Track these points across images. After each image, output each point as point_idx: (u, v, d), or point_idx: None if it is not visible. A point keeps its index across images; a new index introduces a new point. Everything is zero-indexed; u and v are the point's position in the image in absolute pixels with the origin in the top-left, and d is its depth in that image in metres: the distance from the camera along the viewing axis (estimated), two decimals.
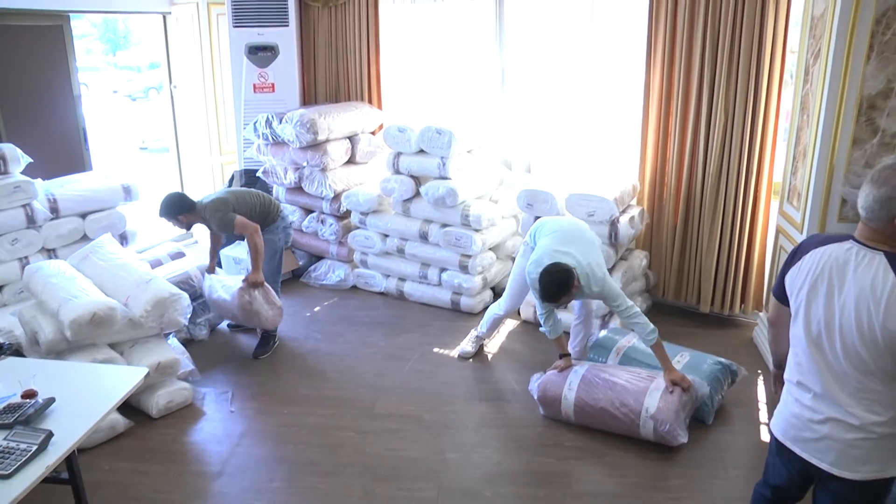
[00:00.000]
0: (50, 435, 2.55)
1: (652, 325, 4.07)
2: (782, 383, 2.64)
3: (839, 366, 2.26)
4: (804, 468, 2.43)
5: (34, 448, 2.47)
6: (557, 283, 3.92)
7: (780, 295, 2.51)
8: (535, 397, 4.30)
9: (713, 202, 5.21)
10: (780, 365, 2.69)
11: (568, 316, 4.93)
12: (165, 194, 4.82)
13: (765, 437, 4.13)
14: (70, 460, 2.97)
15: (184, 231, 5.12)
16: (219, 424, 4.29)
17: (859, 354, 2.20)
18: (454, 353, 5.10)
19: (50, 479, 2.74)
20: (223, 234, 5.32)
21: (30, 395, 2.82)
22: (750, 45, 4.82)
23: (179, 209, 4.75)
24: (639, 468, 3.84)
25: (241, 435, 4.16)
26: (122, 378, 3.10)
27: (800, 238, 4.52)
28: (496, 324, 5.05)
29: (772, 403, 4.41)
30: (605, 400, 4.03)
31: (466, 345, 5.11)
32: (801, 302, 2.35)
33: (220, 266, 6.48)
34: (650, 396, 3.95)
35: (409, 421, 4.28)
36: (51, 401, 2.79)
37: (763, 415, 4.36)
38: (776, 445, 2.55)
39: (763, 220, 5.23)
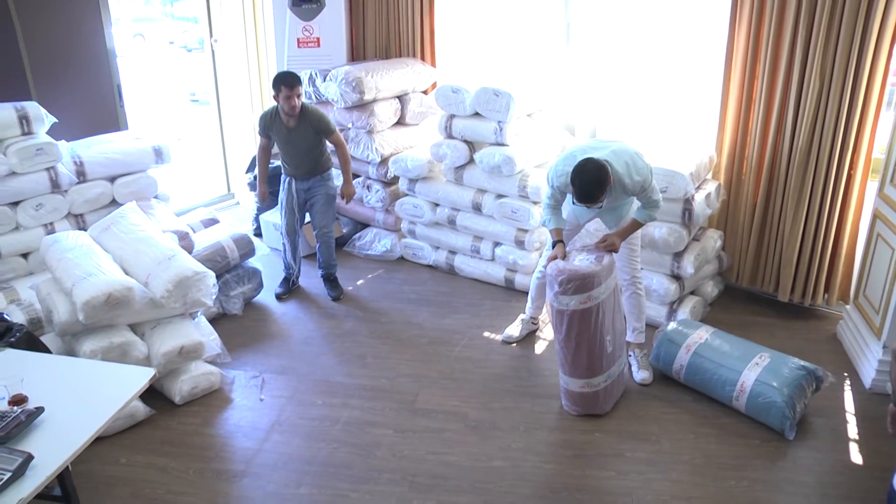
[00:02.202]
0: (29, 458, 2.20)
1: (655, 215, 3.95)
2: None
3: None
4: None
5: (7, 475, 2.12)
6: (594, 181, 3.59)
7: None
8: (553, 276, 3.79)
9: (800, 179, 4.67)
10: None
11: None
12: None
13: (855, 457, 3.68)
14: (63, 477, 2.65)
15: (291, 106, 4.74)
16: (246, 414, 3.96)
17: None
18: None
19: (41, 496, 2.42)
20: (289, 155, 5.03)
21: (18, 400, 2.50)
22: None
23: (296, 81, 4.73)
24: (708, 491, 3.41)
25: (269, 429, 3.82)
26: (126, 380, 2.76)
27: None
28: (542, 291, 4.50)
29: (862, 418, 3.95)
30: (600, 337, 3.83)
31: (513, 328, 4.72)
32: None
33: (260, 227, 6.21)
34: (616, 367, 3.97)
35: (454, 419, 3.89)
36: (38, 412, 2.45)
37: (852, 429, 3.88)
38: None
39: (857, 201, 4.68)
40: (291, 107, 4.71)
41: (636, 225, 4.00)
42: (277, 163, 5.37)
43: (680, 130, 5.42)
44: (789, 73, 4.56)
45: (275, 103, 4.82)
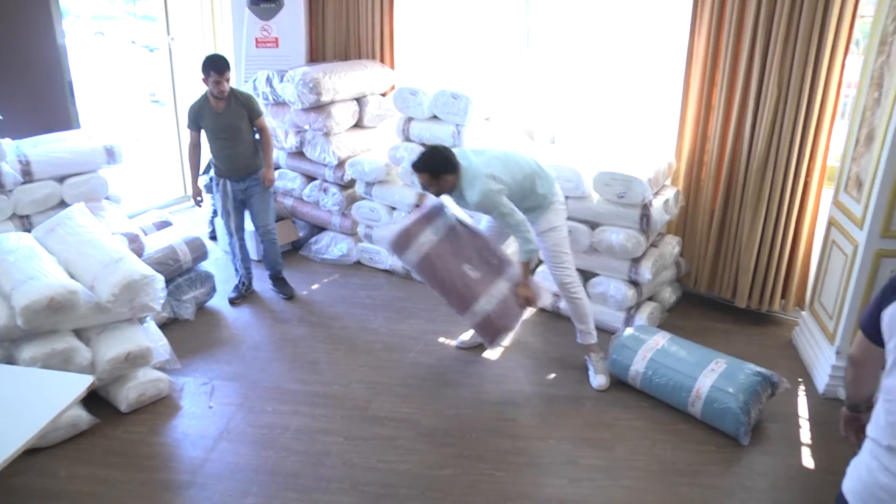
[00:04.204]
0: None
1: (532, 246, 3.94)
2: (855, 429, 2.26)
3: None
4: None
5: None
6: (430, 155, 3.83)
7: (873, 332, 2.00)
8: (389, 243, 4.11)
9: (758, 186, 4.68)
10: (855, 408, 2.27)
11: None
12: None
13: (807, 462, 3.70)
14: None
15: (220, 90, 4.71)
16: (195, 422, 3.85)
17: None
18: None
19: None
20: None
21: None
22: (814, 5, 4.23)
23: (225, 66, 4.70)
24: (661, 498, 3.38)
25: (217, 437, 3.72)
26: (63, 388, 2.66)
27: (858, 234, 4.01)
28: None
29: (815, 423, 3.96)
30: (455, 271, 4.00)
31: (467, 333, 4.68)
32: None
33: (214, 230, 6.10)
34: (503, 282, 4.03)
35: (406, 426, 3.82)
36: None
37: (805, 434, 3.89)
38: None
39: (813, 209, 4.71)
40: (220, 91, 4.67)
41: (525, 266, 4.02)
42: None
43: (639, 136, 5.40)
44: (748, 81, 4.57)
45: (204, 92, 4.79)
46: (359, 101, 5.92)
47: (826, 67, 4.31)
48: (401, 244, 4.04)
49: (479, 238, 4.14)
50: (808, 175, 4.60)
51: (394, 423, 3.85)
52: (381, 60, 6.12)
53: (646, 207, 4.53)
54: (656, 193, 4.73)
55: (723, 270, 5.07)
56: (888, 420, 1.92)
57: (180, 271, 4.87)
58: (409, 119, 5.31)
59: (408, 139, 5.32)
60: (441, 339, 4.72)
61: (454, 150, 3.92)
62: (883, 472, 1.92)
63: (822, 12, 4.23)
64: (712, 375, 3.84)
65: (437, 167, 3.81)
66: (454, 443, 3.70)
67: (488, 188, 3.81)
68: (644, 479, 3.49)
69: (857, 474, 2.04)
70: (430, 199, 4.20)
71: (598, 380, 4.28)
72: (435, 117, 5.17)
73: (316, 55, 6.40)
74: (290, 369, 4.35)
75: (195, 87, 6.74)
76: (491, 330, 4.00)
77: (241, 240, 5.15)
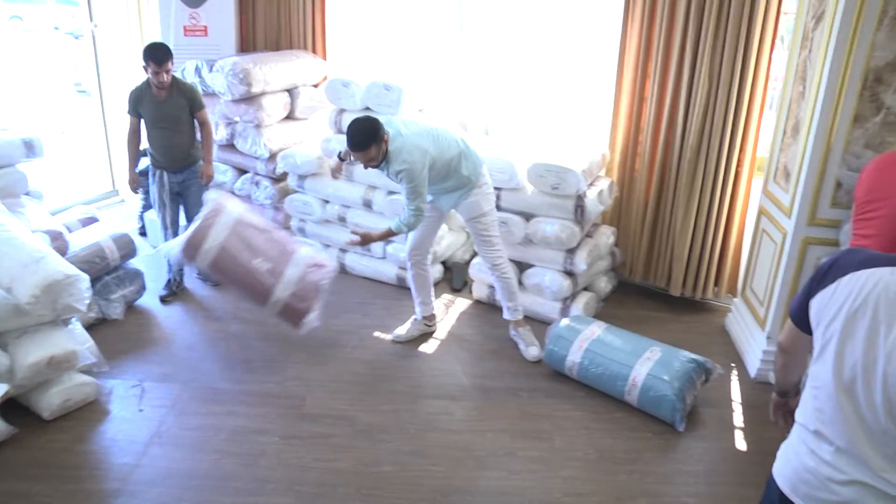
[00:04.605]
0: None
1: (408, 230, 4.09)
2: (783, 414, 2.30)
3: (876, 422, 1.78)
4: None
5: None
6: (357, 128, 3.78)
7: (801, 320, 2.01)
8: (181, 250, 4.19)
9: (691, 176, 4.75)
10: (784, 393, 2.30)
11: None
12: None
13: (740, 445, 3.77)
14: None
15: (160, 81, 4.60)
16: (124, 427, 3.71)
17: None
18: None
19: None
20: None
21: None
22: (741, 1, 4.31)
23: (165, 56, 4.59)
24: (600, 486, 3.41)
25: (148, 442, 3.59)
26: None
27: (786, 222, 4.09)
28: (419, 284, 4.54)
29: (748, 406, 4.04)
30: (247, 267, 4.15)
31: (403, 328, 4.63)
32: (831, 337, 1.85)
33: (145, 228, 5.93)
34: (294, 266, 4.21)
35: (342, 423, 3.76)
36: None
37: (738, 417, 3.98)
38: (780, 498, 2.06)
39: (744, 198, 4.81)
40: (160, 82, 4.55)
41: (389, 232, 4.13)
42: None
43: (573, 127, 5.40)
44: (679, 73, 4.62)
45: (147, 77, 4.65)
46: (290, 92, 5.81)
47: (754, 61, 4.40)
48: (190, 253, 4.16)
49: (265, 230, 4.31)
50: (738, 165, 4.68)
51: (330, 420, 3.78)
52: (313, 51, 6.00)
53: (580, 198, 4.54)
54: (591, 184, 4.74)
55: (657, 259, 5.12)
56: (815, 405, 1.94)
57: (108, 269, 4.70)
58: (342, 111, 5.22)
59: (340, 131, 5.21)
60: (376, 334, 4.66)
61: (382, 119, 3.90)
62: (810, 455, 1.94)
63: (750, 8, 4.31)
64: (648, 364, 3.88)
65: (368, 137, 3.77)
66: (391, 439, 3.66)
67: (415, 160, 3.85)
68: (583, 469, 3.51)
69: (786, 458, 2.07)
70: (212, 204, 4.34)
71: (531, 351, 4.37)
72: (368, 109, 5.08)
73: (246, 45, 6.24)
74: (224, 368, 4.24)
75: (123, 77, 6.58)
76: (294, 314, 4.21)
77: (176, 235, 5.01)
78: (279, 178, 5.72)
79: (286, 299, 4.15)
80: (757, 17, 4.30)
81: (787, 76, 4.24)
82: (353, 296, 5.16)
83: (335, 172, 4.50)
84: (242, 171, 5.88)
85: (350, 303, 5.04)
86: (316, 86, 5.97)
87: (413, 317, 4.65)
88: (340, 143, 5.11)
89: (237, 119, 5.58)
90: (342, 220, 5.36)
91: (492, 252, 4.30)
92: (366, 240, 4.19)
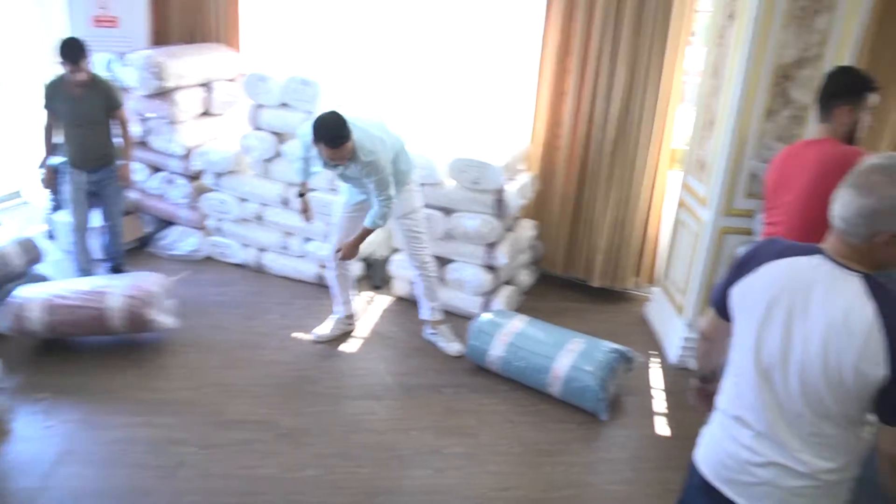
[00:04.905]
0: None
1: (384, 223, 4.01)
2: (704, 399, 2.31)
3: (792, 406, 1.84)
4: None
5: None
6: (335, 125, 3.63)
7: (722, 308, 2.05)
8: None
9: (610, 169, 4.82)
10: (705, 379, 2.34)
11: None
12: None
13: (662, 430, 3.86)
14: None
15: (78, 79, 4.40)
16: (29, 447, 3.46)
17: (820, 396, 1.79)
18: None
19: None
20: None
21: None
22: None
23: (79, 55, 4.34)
24: (526, 479, 3.42)
25: (56, 461, 3.36)
26: None
27: (703, 212, 4.17)
28: (342, 283, 4.47)
29: (669, 392, 4.13)
30: (77, 298, 4.11)
31: (323, 327, 4.54)
32: (750, 325, 1.90)
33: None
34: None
35: (264, 429, 3.65)
36: None
37: (659, 404, 4.07)
38: (701, 483, 2.12)
39: (662, 190, 4.92)
40: (77, 80, 4.37)
41: (366, 232, 4.04)
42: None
43: (493, 122, 5.39)
44: (598, 68, 4.68)
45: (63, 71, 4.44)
46: (206, 87, 5.62)
47: (671, 56, 4.48)
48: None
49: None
50: (656, 157, 4.76)
51: (251, 425, 3.67)
52: (229, 44, 5.83)
53: (500, 193, 4.55)
54: (511, 179, 4.75)
55: (578, 251, 5.18)
56: (735, 392, 1.99)
57: (11, 276, 4.47)
58: (259, 106, 5.09)
59: (258, 127, 5.10)
60: (296, 335, 4.55)
61: None
62: (730, 441, 1.99)
63: (665, 4, 4.40)
64: (570, 355, 3.91)
65: (346, 131, 3.65)
66: (315, 442, 3.58)
67: (378, 150, 3.80)
68: (509, 463, 3.52)
69: (707, 444, 2.12)
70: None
71: (453, 347, 4.37)
72: (285, 104, 4.98)
73: (161, 37, 5.99)
74: (139, 377, 4.05)
75: (24, 68, 6.24)
76: (138, 322, 4.13)
77: (85, 238, 4.82)
78: (195, 176, 5.53)
79: (127, 313, 4.09)
80: (672, 14, 4.38)
81: (704, 72, 4.34)
82: (272, 296, 5.04)
83: (304, 213, 4.36)
84: (157, 169, 5.67)
85: (268, 303, 4.93)
86: (232, 80, 5.80)
87: (334, 316, 4.56)
88: (258, 139, 5.02)
89: (151, 115, 5.38)
90: (260, 218, 5.24)
91: (420, 249, 4.27)
92: (350, 251, 4.12)
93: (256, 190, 5.19)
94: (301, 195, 4.32)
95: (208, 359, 4.24)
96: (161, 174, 5.63)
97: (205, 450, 3.48)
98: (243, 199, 5.29)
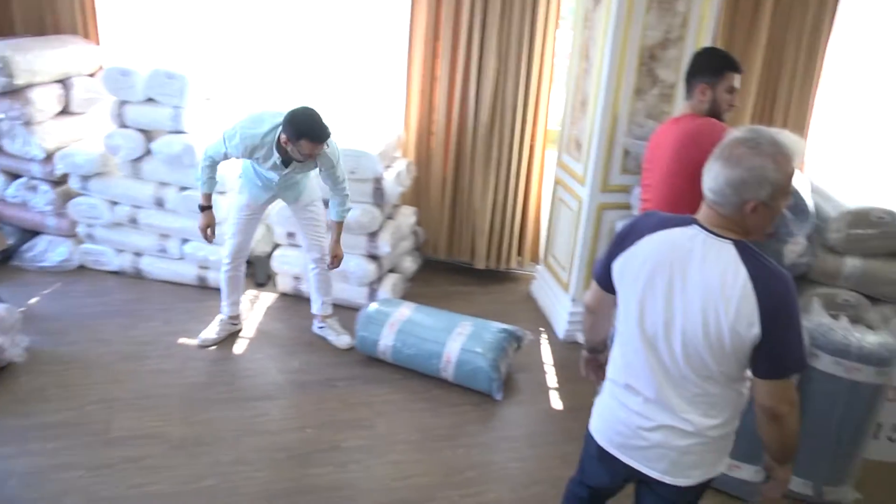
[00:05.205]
0: None
1: (350, 206, 4.04)
2: (594, 369, 2.45)
3: (677, 370, 1.96)
4: (630, 474, 2.18)
5: None
6: (318, 117, 3.57)
7: (605, 282, 2.14)
8: None
9: (486, 151, 4.89)
10: (594, 350, 2.45)
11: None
12: None
13: (556, 404, 3.98)
14: None
15: None
16: None
17: (702, 358, 1.91)
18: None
19: None
20: None
21: None
22: None
23: None
24: (427, 466, 3.46)
25: None
26: None
27: (581, 190, 4.29)
28: (235, 284, 4.35)
29: (559, 367, 4.24)
30: None
31: (209, 330, 4.39)
32: (634, 296, 2.00)
33: None
34: None
35: (155, 442, 3.51)
36: None
37: (551, 379, 4.20)
38: (597, 451, 2.23)
39: (539, 170, 5.02)
40: None
41: (340, 226, 4.04)
42: None
43: (366, 110, 5.35)
44: (469, 52, 4.72)
45: None
46: (64, 83, 5.25)
47: (541, 40, 4.59)
48: None
49: None
50: (531, 139, 4.87)
51: (141, 440, 3.51)
52: (86, 36, 5.49)
53: (378, 181, 4.54)
54: (388, 166, 4.75)
55: (460, 235, 5.24)
56: (624, 361, 2.09)
57: None
58: (123, 103, 4.83)
59: (124, 125, 4.85)
60: (182, 340, 4.39)
61: (270, 113, 3.76)
62: (622, 408, 2.10)
63: None
64: (460, 339, 3.96)
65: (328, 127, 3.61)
66: (209, 450, 3.48)
67: (332, 141, 3.76)
68: (409, 451, 3.54)
69: (600, 413, 2.22)
70: None
71: (343, 339, 4.37)
72: (151, 100, 4.76)
73: (3, 28, 5.59)
74: (11, 402, 3.75)
75: None
76: None
77: None
78: (59, 181, 5.18)
79: None
80: None
81: (572, 54, 4.48)
82: (152, 302, 4.83)
83: (207, 230, 4.09)
84: (15, 176, 5.29)
85: (149, 310, 4.72)
86: (92, 75, 5.48)
87: (219, 317, 4.44)
88: (125, 138, 4.79)
89: (1, 116, 5.00)
90: (134, 222, 5.00)
91: (322, 239, 4.22)
92: (339, 254, 4.10)
93: (128, 191, 4.94)
94: (205, 209, 4.03)
95: (89, 375, 4.01)
96: (20, 180, 5.26)
97: (92, 472, 3.29)
98: (114, 203, 5.03)
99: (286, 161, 3.78)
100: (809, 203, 3.26)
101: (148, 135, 4.87)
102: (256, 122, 3.74)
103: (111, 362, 4.13)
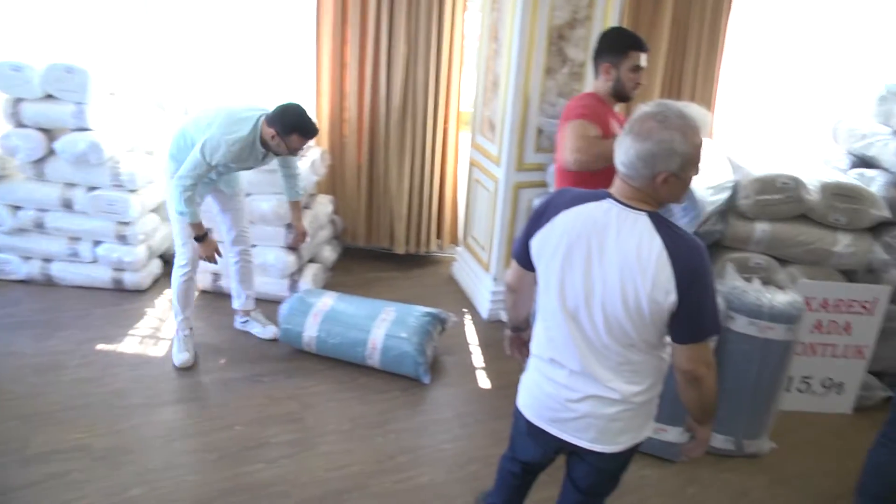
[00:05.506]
0: None
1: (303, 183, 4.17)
2: (519, 347, 2.50)
3: (599, 341, 2.02)
4: (560, 446, 2.24)
5: None
6: (306, 112, 3.64)
7: (524, 260, 2.18)
8: None
9: (399, 136, 4.89)
10: (517, 328, 2.50)
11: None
12: None
13: (483, 383, 4.05)
14: None
15: None
16: None
17: (623, 328, 1.97)
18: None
19: None
20: None
21: None
22: None
23: None
24: (359, 454, 3.46)
25: None
26: None
27: (496, 170, 4.34)
28: (191, 291, 4.15)
29: (485, 346, 4.30)
30: None
31: (180, 352, 4.13)
32: (553, 272, 2.04)
33: None
34: None
35: (78, 455, 3.38)
36: None
37: (477, 359, 4.25)
38: (527, 426, 2.29)
39: (454, 152, 5.05)
40: None
41: (298, 206, 4.13)
42: None
43: (275, 98, 5.20)
44: (378, 37, 4.70)
45: None
46: None
47: (449, 23, 4.61)
48: None
49: None
50: (444, 122, 4.89)
51: (62, 455, 3.38)
52: None
53: None
54: (301, 155, 4.67)
55: (378, 221, 5.24)
56: (547, 336, 2.14)
57: None
58: (19, 100, 4.60)
59: (21, 124, 4.62)
60: (101, 347, 4.25)
61: (236, 110, 3.72)
62: (548, 382, 2.16)
63: None
64: (384, 325, 3.97)
65: None
66: (136, 458, 3.39)
67: None
68: (339, 441, 3.54)
69: (527, 389, 2.28)
70: None
71: (269, 330, 4.36)
72: (50, 96, 4.56)
73: None
74: None
75: None
76: None
77: None
78: None
79: None
80: None
81: (481, 36, 4.51)
82: (67, 309, 4.65)
83: (213, 254, 3.89)
84: None
85: (64, 318, 4.54)
86: None
87: (181, 333, 4.17)
88: (22, 138, 4.56)
89: None
90: (40, 226, 4.79)
91: (247, 232, 4.24)
92: (306, 230, 4.23)
93: (31, 194, 4.73)
94: (201, 237, 3.79)
95: (2, 391, 3.83)
96: None
97: (9, 495, 3.15)
98: (17, 207, 4.79)
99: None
100: (698, 195, 3.33)
101: (49, 134, 4.66)
102: (233, 124, 3.62)
103: (25, 376, 3.96)
